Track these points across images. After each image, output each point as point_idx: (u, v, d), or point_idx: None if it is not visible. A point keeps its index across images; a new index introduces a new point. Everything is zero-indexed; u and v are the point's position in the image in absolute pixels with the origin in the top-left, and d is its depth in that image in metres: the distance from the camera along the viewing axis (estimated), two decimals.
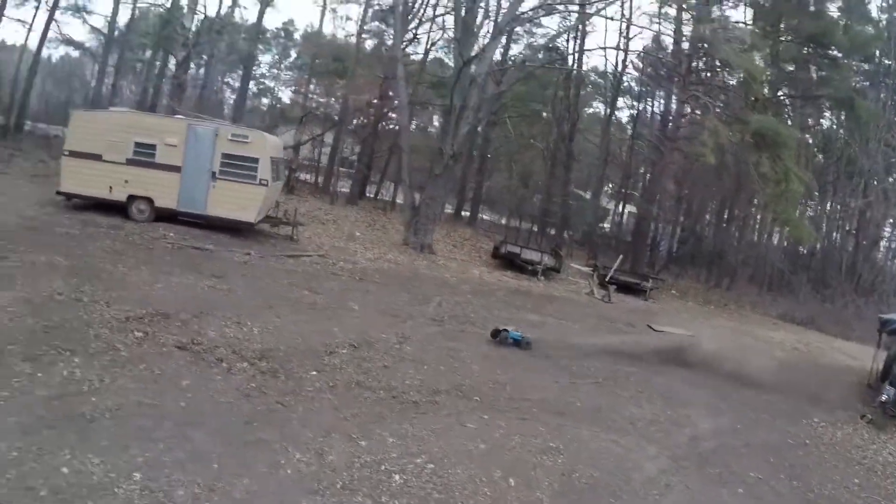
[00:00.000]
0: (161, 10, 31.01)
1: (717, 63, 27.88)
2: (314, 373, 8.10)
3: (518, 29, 29.45)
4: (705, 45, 26.27)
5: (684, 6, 28.12)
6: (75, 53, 37.22)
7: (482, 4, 24.62)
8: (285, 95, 38.53)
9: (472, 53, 22.29)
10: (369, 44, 32.56)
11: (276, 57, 38.84)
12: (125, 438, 5.54)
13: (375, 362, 8.97)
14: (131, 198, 16.00)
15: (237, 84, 37.27)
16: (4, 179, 19.25)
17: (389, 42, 30.57)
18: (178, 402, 6.53)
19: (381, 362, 9.03)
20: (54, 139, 25.62)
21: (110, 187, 15.89)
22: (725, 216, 34.45)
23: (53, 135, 27.20)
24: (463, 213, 34.00)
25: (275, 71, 38.76)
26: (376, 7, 31.46)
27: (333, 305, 11.93)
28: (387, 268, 17.61)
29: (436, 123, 35.45)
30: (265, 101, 38.53)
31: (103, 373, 6.80)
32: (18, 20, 42.66)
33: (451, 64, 31.70)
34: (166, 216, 16.05)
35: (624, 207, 37.69)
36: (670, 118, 31.39)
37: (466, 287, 16.99)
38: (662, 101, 33.87)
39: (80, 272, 10.49)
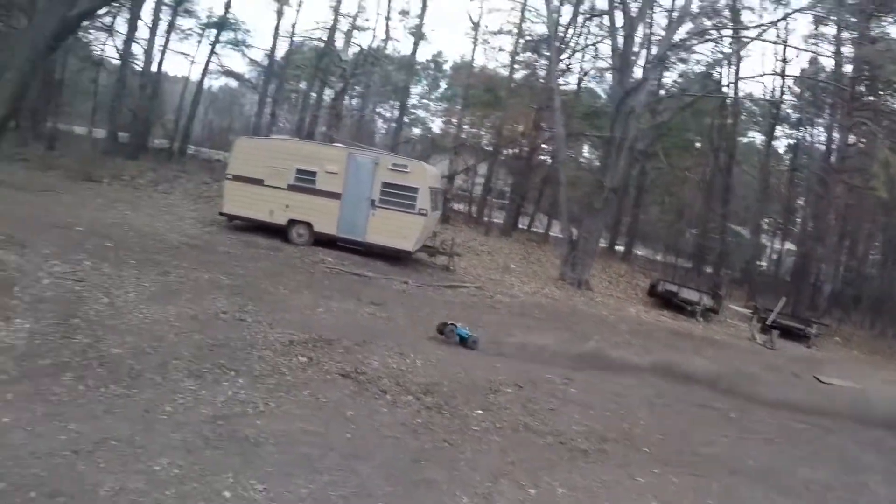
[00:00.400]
0: (318, 42, 32.24)
1: (879, 86, 25.58)
2: (480, 411, 7.64)
3: (671, 57, 28.27)
4: (869, 67, 24.17)
5: (843, 24, 26.07)
6: (235, 84, 39.37)
7: (639, 33, 23.89)
8: (435, 126, 38.99)
9: (631, 84, 21.55)
10: (519, 75, 32.33)
11: (426, 88, 39.47)
12: (290, 466, 5.37)
13: (541, 404, 8.40)
14: (291, 222, 16.49)
15: (387, 114, 38.12)
16: (169, 199, 20.37)
17: (541, 72, 30.43)
18: (344, 433, 6.28)
19: (547, 404, 8.44)
20: (216, 163, 27.09)
21: (271, 211, 16.39)
22: (893, 255, 31.29)
23: (215, 159, 28.80)
24: (616, 247, 32.80)
25: (425, 101, 39.34)
26: (528, 38, 31.29)
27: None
28: (545, 303, 17.11)
29: (586, 154, 34.72)
30: (416, 130, 39.14)
31: (268, 396, 6.70)
32: (182, 53, 46.63)
33: (603, 94, 31.16)
34: (325, 241, 16.36)
35: (783, 244, 35.19)
36: (833, 147, 29.00)
37: (624, 326, 16.13)
38: (823, 130, 31.36)
39: (243, 291, 10.67)
